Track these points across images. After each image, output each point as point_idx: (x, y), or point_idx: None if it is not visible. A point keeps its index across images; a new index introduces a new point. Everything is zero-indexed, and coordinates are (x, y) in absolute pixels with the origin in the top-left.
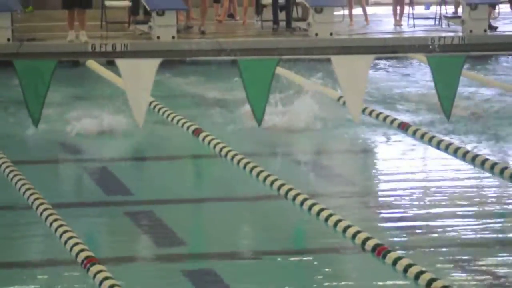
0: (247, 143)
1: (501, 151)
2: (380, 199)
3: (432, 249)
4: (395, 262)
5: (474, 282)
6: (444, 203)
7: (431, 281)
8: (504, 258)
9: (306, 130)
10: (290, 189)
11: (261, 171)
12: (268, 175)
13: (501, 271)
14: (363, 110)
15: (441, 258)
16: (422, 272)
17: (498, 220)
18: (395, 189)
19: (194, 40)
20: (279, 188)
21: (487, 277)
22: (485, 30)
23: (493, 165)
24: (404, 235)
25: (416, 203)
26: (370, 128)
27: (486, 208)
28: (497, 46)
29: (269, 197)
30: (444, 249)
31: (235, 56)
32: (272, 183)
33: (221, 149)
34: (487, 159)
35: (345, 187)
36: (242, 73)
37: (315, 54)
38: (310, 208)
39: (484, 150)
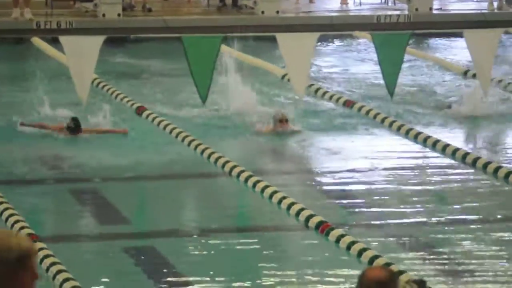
0: (190, 121)
1: (446, 130)
2: (324, 177)
3: (375, 227)
4: (338, 239)
5: (416, 260)
6: (388, 181)
7: (373, 258)
8: (445, 235)
9: (250, 108)
10: (235, 166)
11: (206, 149)
12: (212, 153)
13: (440, 248)
14: (309, 87)
15: (384, 235)
16: (365, 249)
17: (440, 199)
18: (339, 168)
19: (139, 18)
20: (223, 166)
21: (427, 253)
22: (430, 9)
23: (435, 143)
24: (348, 213)
25: (361, 181)
26: (315, 106)
27: (429, 187)
28: (442, 25)
29: (213, 175)
30: (387, 227)
31: (180, 33)
32: (216, 160)
33: (165, 127)
34: (429, 136)
35: (289, 165)
36: (186, 50)
37: (261, 32)
38: (254, 185)
39: (429, 128)
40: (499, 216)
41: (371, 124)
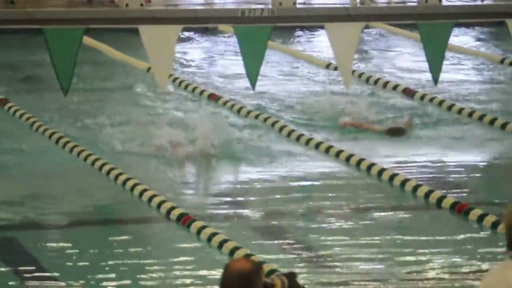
0: (48, 109)
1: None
2: (186, 169)
3: (237, 219)
4: (199, 231)
5: (279, 251)
6: (249, 172)
7: (234, 249)
8: (310, 226)
9: (114, 98)
10: (97, 160)
11: (68, 142)
12: (75, 146)
13: (305, 237)
14: (173, 81)
15: (246, 227)
16: (225, 241)
17: (303, 191)
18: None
19: (2, 10)
20: (85, 159)
21: (290, 242)
22: (294, 3)
23: (299, 136)
24: (210, 206)
25: (222, 173)
26: (178, 99)
27: (291, 179)
28: (306, 19)
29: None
30: (249, 219)
31: (42, 25)
32: (79, 153)
33: (30, 121)
34: (294, 130)
35: (150, 158)
36: (48, 42)
37: (124, 24)
38: (116, 178)
39: (294, 124)
40: (355, 206)
41: (230, 115)
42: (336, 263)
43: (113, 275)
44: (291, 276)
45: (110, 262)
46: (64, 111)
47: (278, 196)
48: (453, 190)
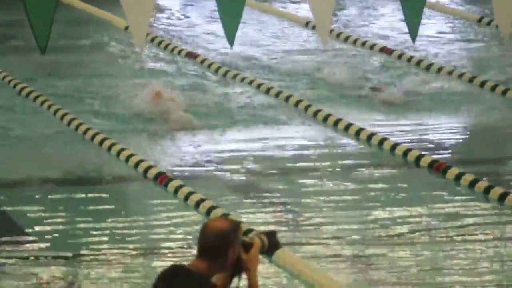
0: (26, 68)
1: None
2: (162, 130)
3: (214, 179)
4: (176, 190)
5: (257, 210)
6: (227, 133)
7: (211, 208)
8: (289, 186)
9: (91, 56)
10: (73, 119)
11: (38, 96)
12: (45, 100)
13: (284, 197)
14: (150, 39)
15: (224, 187)
16: (202, 200)
17: (282, 151)
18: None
19: None
20: (62, 118)
21: (268, 202)
22: None
23: (278, 93)
24: (186, 166)
25: (201, 134)
26: (158, 59)
27: (272, 141)
28: None
29: (51, 126)
30: (226, 177)
31: None
32: (49, 107)
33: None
34: (272, 88)
35: (127, 118)
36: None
37: None
38: (93, 138)
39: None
40: (334, 166)
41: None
42: (315, 223)
43: (92, 234)
44: (271, 235)
45: (87, 225)
46: (41, 70)
47: (257, 156)
48: (432, 150)
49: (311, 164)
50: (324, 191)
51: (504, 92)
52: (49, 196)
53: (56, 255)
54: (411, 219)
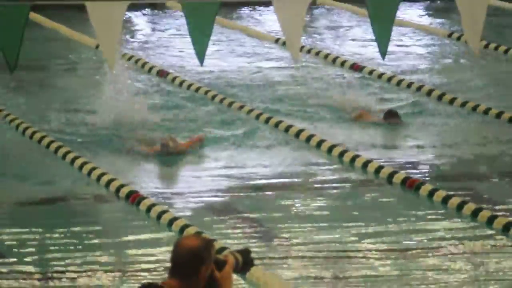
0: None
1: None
2: (129, 143)
3: (188, 196)
4: (149, 208)
5: (230, 228)
6: (199, 150)
7: (184, 227)
8: (261, 203)
9: (62, 75)
10: (44, 137)
11: (14, 119)
12: (21, 123)
13: (250, 213)
14: (128, 59)
15: (196, 204)
16: (175, 218)
17: (254, 168)
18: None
19: None
20: (31, 136)
21: (239, 220)
22: None
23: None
24: (160, 186)
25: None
26: (129, 76)
27: (243, 159)
28: None
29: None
30: (197, 196)
31: None
32: (24, 130)
33: None
34: (243, 106)
35: (99, 137)
36: None
37: (71, 0)
38: (64, 156)
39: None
40: (310, 186)
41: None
42: (287, 238)
43: (61, 255)
44: (245, 253)
45: (59, 241)
46: (11, 89)
47: (229, 173)
48: (405, 167)
49: (285, 180)
50: (297, 208)
51: (474, 108)
52: (20, 215)
53: (26, 275)
54: (384, 233)
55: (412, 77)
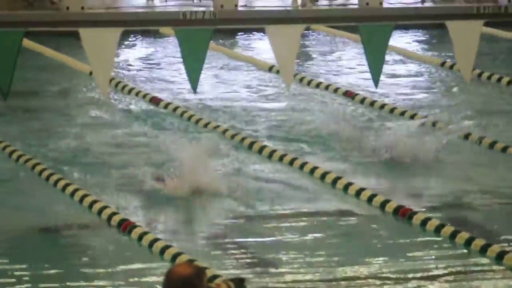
0: None
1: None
2: (122, 171)
3: (182, 224)
4: (141, 237)
5: (223, 257)
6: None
7: (176, 255)
8: (255, 232)
9: (55, 102)
10: (37, 164)
11: (6, 147)
12: (14, 151)
13: (250, 243)
14: (114, 85)
15: (190, 234)
16: (167, 247)
17: (248, 196)
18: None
19: None
20: (17, 159)
21: (232, 248)
22: (235, 5)
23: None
24: (151, 212)
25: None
26: (122, 103)
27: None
28: (247, 21)
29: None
30: (192, 225)
31: None
32: (17, 158)
33: None
34: (239, 135)
35: (91, 164)
36: None
37: (65, 27)
38: (56, 183)
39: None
40: (299, 210)
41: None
42: (281, 268)
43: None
44: (239, 282)
45: (51, 271)
46: (4, 116)
47: (222, 202)
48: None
49: (276, 208)
50: (290, 236)
51: (466, 137)
52: (11, 244)
53: None
54: (381, 263)
55: (406, 106)
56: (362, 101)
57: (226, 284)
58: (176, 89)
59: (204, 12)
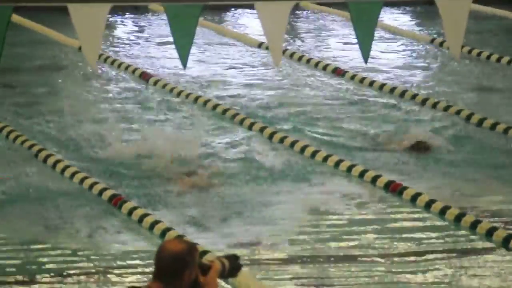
0: None
1: None
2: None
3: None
4: (130, 212)
5: (207, 233)
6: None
7: (165, 230)
8: (252, 214)
9: (45, 78)
10: (33, 145)
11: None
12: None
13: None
14: (105, 60)
15: (179, 211)
16: (157, 222)
17: (244, 175)
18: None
19: None
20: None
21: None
22: None
23: (237, 118)
24: (140, 187)
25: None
26: (110, 76)
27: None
28: None
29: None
30: (186, 210)
31: None
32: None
33: None
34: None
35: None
36: None
37: (53, 2)
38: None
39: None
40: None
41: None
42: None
43: (47, 251)
44: (233, 258)
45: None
46: None
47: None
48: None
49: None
50: (285, 219)
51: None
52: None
53: None
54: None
55: (396, 82)
56: (352, 77)
57: (219, 260)
58: (165, 65)
59: None
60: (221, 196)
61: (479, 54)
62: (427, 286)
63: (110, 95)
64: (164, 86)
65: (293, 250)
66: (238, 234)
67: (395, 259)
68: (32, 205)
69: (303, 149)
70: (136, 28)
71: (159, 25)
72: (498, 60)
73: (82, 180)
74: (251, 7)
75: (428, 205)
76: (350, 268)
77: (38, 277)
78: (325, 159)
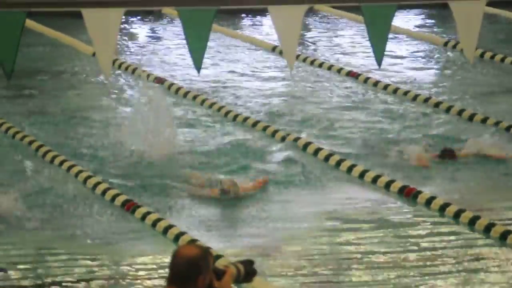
0: None
1: None
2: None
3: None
4: (144, 217)
5: (222, 237)
6: (193, 158)
7: (179, 235)
8: (260, 214)
9: (60, 83)
10: (41, 146)
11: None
12: (18, 132)
13: (253, 226)
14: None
15: (192, 215)
16: (170, 227)
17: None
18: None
19: None
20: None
21: (233, 230)
22: None
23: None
24: (148, 191)
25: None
26: (123, 81)
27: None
28: (250, 1)
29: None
30: (193, 207)
31: None
32: (21, 139)
33: None
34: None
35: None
36: None
37: (67, 7)
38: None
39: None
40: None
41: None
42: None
43: (60, 260)
44: (248, 264)
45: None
46: (8, 97)
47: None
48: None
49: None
50: (294, 217)
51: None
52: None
53: None
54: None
55: (410, 86)
56: (366, 80)
57: (235, 266)
58: (179, 70)
59: None
60: (235, 200)
61: (492, 57)
62: None
63: (124, 99)
64: (177, 90)
65: (307, 255)
66: (252, 239)
67: (408, 264)
68: (45, 211)
69: (316, 152)
70: (150, 33)
71: (172, 31)
72: None
73: (95, 186)
74: (265, 11)
75: (442, 209)
76: (363, 274)
77: (52, 283)
78: (338, 163)
